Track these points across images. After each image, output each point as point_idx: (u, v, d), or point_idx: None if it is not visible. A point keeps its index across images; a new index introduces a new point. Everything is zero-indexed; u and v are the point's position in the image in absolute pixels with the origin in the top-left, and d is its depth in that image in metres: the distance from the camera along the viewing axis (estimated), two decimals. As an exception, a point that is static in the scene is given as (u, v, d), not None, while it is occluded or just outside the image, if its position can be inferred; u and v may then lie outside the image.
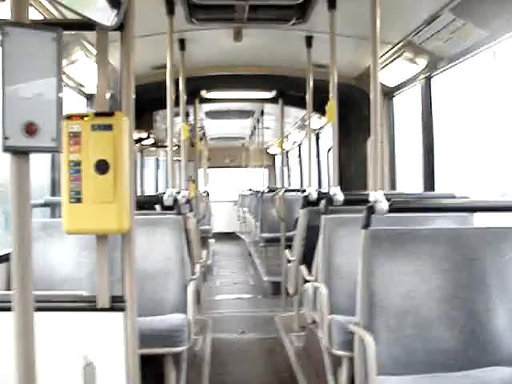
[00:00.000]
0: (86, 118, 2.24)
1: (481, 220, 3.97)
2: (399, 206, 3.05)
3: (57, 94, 1.71)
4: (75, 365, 2.36)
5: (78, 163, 2.23)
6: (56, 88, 1.71)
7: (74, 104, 5.45)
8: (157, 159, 12.86)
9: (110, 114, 2.25)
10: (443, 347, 2.82)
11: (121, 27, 2.31)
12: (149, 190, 11.91)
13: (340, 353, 3.44)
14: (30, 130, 1.68)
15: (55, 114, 1.71)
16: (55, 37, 1.73)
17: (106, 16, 2.17)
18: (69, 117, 2.24)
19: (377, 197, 2.99)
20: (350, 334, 3.04)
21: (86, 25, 2.28)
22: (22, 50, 1.70)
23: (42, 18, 3.50)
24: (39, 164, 5.01)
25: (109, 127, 2.23)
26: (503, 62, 4.16)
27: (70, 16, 2.25)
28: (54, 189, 4.97)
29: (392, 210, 2.97)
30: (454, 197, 4.12)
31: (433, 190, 5.16)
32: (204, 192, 10.83)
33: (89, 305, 2.40)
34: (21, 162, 1.72)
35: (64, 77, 4.74)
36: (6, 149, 1.68)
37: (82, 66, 4.71)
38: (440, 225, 3.84)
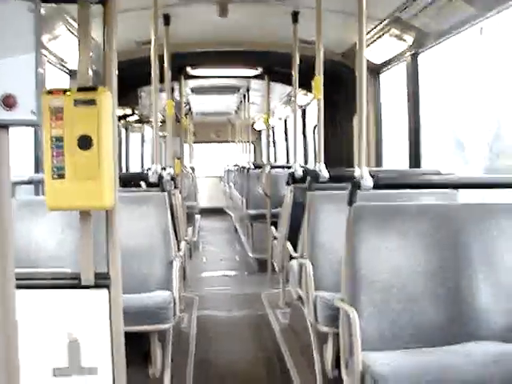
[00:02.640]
0: (68, 93, 2.21)
1: (465, 197, 3.99)
2: (384, 182, 3.05)
3: (36, 67, 1.68)
4: (60, 342, 2.35)
5: (60, 139, 2.20)
6: (35, 60, 1.67)
7: (59, 82, 5.39)
8: (142, 135, 12.79)
9: (93, 89, 2.23)
10: (428, 322, 2.84)
11: (103, 1, 2.27)
12: (134, 167, 11.85)
13: (325, 329, 3.46)
14: (8, 102, 1.64)
15: (34, 87, 1.68)
16: (32, 7, 1.68)
17: (88, -11, 2.13)
18: (50, 92, 2.21)
19: (362, 173, 2.98)
20: (335, 310, 3.05)
21: None
22: None
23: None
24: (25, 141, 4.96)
25: (92, 102, 2.20)
26: (490, 38, 4.15)
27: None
28: (38, 166, 4.92)
29: (377, 186, 2.97)
30: (440, 173, 4.13)
31: (419, 167, 5.17)
32: (190, 168, 10.79)
33: (73, 282, 2.39)
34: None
35: (46, 52, 4.67)
36: (-17, 122, 1.65)
37: (65, 42, 4.64)
38: (425, 201, 3.85)
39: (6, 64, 1.66)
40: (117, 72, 2.39)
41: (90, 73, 2.36)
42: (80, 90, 2.23)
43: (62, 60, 5.06)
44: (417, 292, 2.87)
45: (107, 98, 2.24)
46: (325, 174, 4.28)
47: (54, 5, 3.76)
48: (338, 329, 2.96)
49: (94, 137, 2.20)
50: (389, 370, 2.45)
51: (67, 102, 2.20)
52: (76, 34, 3.94)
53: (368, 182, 2.96)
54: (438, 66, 5.20)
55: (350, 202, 2.94)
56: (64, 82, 5.44)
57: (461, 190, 3.94)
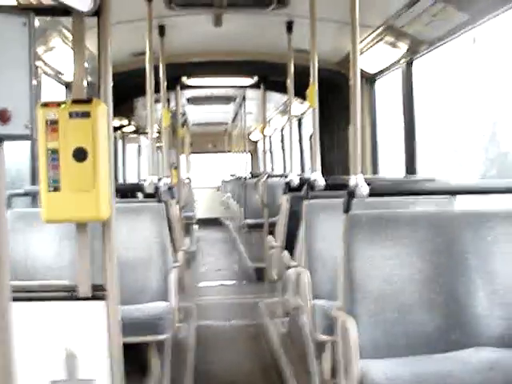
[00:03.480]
0: (63, 106, 2.21)
1: (463, 203, 3.99)
2: (380, 189, 3.06)
3: (30, 81, 1.68)
4: (57, 355, 2.34)
5: (55, 151, 2.21)
6: (29, 74, 1.68)
7: (55, 93, 5.39)
8: (139, 146, 12.79)
9: (88, 101, 2.23)
10: (425, 330, 2.83)
11: (98, 13, 2.28)
12: (131, 178, 11.85)
13: (323, 337, 3.45)
14: (3, 117, 1.65)
15: (28, 101, 1.68)
16: (26, 22, 1.69)
17: (81, 1, 2.14)
18: (45, 104, 2.21)
19: (357, 181, 2.99)
20: (332, 319, 3.05)
21: (61, 10, 2.25)
22: None
23: (15, 3, 3.44)
24: (21, 153, 4.96)
25: (86, 114, 2.21)
26: (483, 46, 4.17)
27: (47, 1, 2.22)
28: (34, 178, 4.92)
29: (372, 194, 2.97)
30: (435, 181, 4.14)
31: (414, 173, 5.18)
32: (187, 178, 10.80)
33: (70, 294, 2.39)
34: None
35: (42, 64, 4.68)
36: (-22, 137, 1.66)
37: (61, 54, 4.65)
38: (422, 208, 3.85)
39: (0, 78, 1.66)
40: (112, 83, 2.39)
41: (85, 84, 2.37)
42: (75, 102, 2.24)
43: (58, 72, 5.07)
44: (413, 300, 2.87)
45: (102, 109, 2.24)
46: (321, 182, 4.28)
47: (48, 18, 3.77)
48: (335, 337, 2.95)
49: (90, 149, 2.20)
50: (387, 378, 2.45)
51: (62, 114, 2.20)
52: (71, 46, 3.95)
53: (363, 189, 2.97)
54: (433, 71, 5.23)
55: (346, 210, 2.95)
56: (61, 93, 5.45)
57: (458, 196, 3.95)
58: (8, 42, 1.68)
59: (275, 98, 9.37)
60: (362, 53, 5.26)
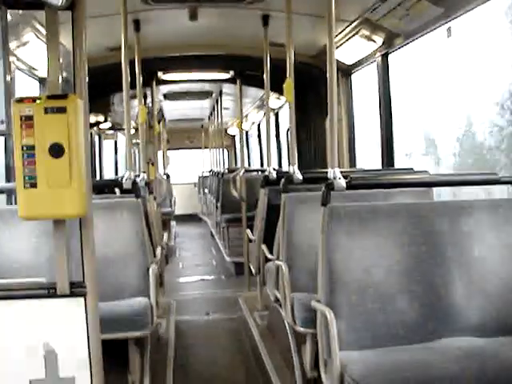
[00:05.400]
0: (38, 101, 2.18)
1: (440, 194, 4.03)
2: (357, 182, 3.07)
3: (4, 76, 1.66)
4: (36, 353, 2.32)
5: (31, 147, 2.18)
6: (3, 68, 1.66)
7: (29, 89, 5.33)
8: (115, 142, 12.71)
9: (63, 97, 2.20)
10: (404, 320, 2.86)
11: (71, 7, 2.25)
12: (108, 174, 11.78)
13: (303, 330, 3.47)
14: (-24, 113, 1.62)
15: (3, 97, 1.66)
16: (-1, 14, 1.66)
17: (55, -5, 2.11)
18: (20, 100, 2.18)
19: (335, 174, 3.00)
20: (312, 311, 3.06)
21: (34, 3, 2.21)
22: None
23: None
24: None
25: (62, 110, 2.18)
26: (457, 39, 4.20)
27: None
28: (9, 175, 4.87)
29: (350, 186, 2.99)
30: (413, 171, 4.17)
31: (392, 166, 5.21)
32: (164, 174, 10.77)
33: (48, 292, 2.36)
34: None
35: (14, 59, 4.62)
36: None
37: (34, 48, 4.59)
38: (400, 200, 3.88)
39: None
40: (87, 79, 2.37)
41: (60, 80, 2.34)
42: (50, 97, 2.21)
43: (32, 67, 5.01)
44: (392, 291, 2.90)
45: (78, 105, 2.22)
46: (298, 175, 4.29)
47: (20, 11, 3.72)
48: (316, 329, 2.97)
49: (66, 145, 2.18)
50: (367, 369, 2.47)
51: (37, 110, 2.17)
52: (45, 40, 3.91)
53: (341, 182, 2.98)
54: (408, 65, 5.27)
55: (324, 203, 2.96)
56: (34, 89, 5.39)
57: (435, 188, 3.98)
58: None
59: (252, 93, 9.36)
60: (338, 46, 5.28)
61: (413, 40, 4.63)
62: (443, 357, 2.55)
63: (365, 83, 5.99)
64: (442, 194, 4.06)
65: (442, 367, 2.46)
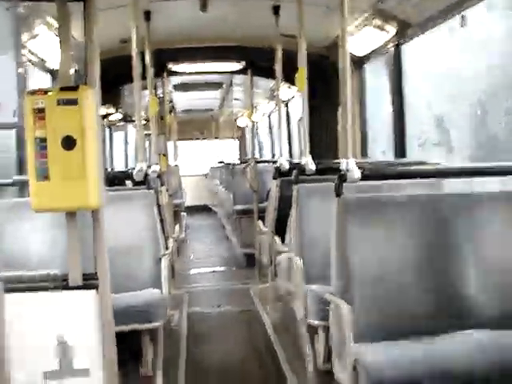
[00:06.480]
0: (50, 93, 2.18)
1: (452, 186, 3.99)
2: (371, 173, 3.05)
3: (16, 69, 1.66)
4: (50, 345, 2.33)
5: (43, 140, 2.18)
6: (15, 62, 1.65)
7: (40, 82, 5.32)
8: (126, 133, 12.71)
9: (75, 88, 2.20)
10: (418, 313, 2.84)
11: (83, -2, 2.25)
12: (119, 166, 11.78)
13: (316, 322, 3.45)
14: (-11, 105, 1.62)
15: (16, 89, 1.66)
16: (10, 6, 1.65)
17: (66, -14, 2.10)
18: (32, 92, 2.18)
19: (348, 165, 2.98)
20: (325, 304, 3.04)
21: None
22: None
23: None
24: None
25: (74, 102, 2.17)
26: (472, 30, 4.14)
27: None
28: (22, 167, 4.87)
29: (364, 177, 2.96)
30: (425, 163, 4.13)
31: (404, 157, 5.18)
32: (175, 165, 10.76)
33: (61, 283, 2.36)
34: None
35: (26, 52, 4.62)
36: (-35, 126, 1.63)
37: (45, 41, 4.58)
38: (412, 192, 3.85)
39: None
40: (99, 70, 2.36)
41: (72, 72, 2.34)
42: (62, 89, 2.20)
43: (43, 60, 5.01)
44: (406, 282, 2.88)
45: (90, 96, 2.21)
46: (311, 166, 4.27)
47: (30, 3, 3.71)
48: (328, 322, 2.95)
49: (78, 137, 2.18)
50: (380, 361, 2.46)
51: (49, 102, 2.17)
52: (56, 33, 3.90)
53: (355, 173, 2.96)
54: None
55: (337, 194, 2.94)
56: (46, 81, 5.38)
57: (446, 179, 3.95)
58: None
59: (262, 83, 9.32)
60: (350, 37, 5.23)
61: (426, 30, 4.57)
62: (459, 350, 2.53)
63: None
64: (455, 187, 4.01)
65: (458, 360, 2.44)
